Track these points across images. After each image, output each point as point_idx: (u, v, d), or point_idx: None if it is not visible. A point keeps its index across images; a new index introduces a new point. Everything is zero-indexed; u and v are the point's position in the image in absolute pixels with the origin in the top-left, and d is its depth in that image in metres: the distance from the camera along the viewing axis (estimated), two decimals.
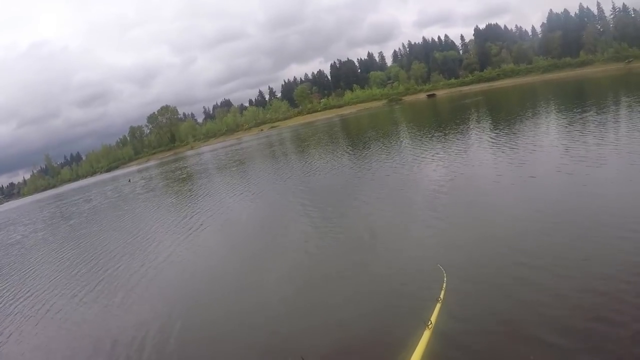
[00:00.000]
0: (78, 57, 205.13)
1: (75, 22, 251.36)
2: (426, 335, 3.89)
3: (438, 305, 4.36)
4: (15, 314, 8.37)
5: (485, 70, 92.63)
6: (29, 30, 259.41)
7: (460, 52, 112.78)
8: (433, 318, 4.11)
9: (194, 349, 5.40)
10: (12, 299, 9.53)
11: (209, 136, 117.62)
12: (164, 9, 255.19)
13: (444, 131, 21.30)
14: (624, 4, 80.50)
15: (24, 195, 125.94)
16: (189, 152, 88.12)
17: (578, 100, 25.00)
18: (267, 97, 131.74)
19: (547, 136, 14.07)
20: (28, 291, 9.78)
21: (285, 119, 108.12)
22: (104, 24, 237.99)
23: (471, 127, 21.94)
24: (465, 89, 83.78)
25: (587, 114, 17.16)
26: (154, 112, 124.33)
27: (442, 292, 4.62)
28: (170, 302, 7.07)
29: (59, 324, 7.34)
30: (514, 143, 13.77)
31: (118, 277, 9.06)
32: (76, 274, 10.25)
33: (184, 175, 32.02)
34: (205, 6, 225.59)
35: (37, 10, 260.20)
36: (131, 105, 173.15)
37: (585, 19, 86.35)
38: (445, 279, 4.90)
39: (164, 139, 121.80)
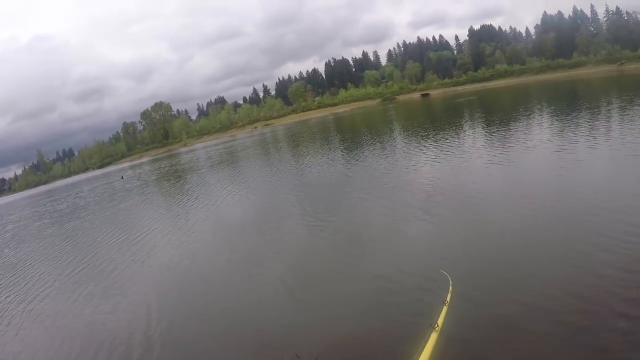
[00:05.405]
0: (78, 52, 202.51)
1: (77, 16, 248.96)
2: (433, 337, 3.92)
3: (444, 308, 4.38)
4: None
5: (479, 70, 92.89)
6: (29, 24, 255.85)
7: (455, 52, 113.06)
8: (440, 320, 4.13)
9: (187, 346, 5.36)
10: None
11: (202, 133, 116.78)
12: (165, 6, 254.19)
13: (440, 131, 21.34)
14: (617, 6, 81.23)
15: (15, 191, 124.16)
16: (182, 149, 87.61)
17: (571, 101, 25.21)
18: (261, 94, 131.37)
19: (543, 137, 14.12)
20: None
21: (280, 116, 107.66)
22: (104, 19, 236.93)
23: (466, 127, 22.01)
24: (459, 88, 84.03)
25: (580, 114, 17.32)
26: (147, 109, 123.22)
27: (449, 295, 4.63)
28: (161, 301, 7.01)
29: (45, 322, 7.29)
30: (512, 144, 13.81)
31: (107, 275, 8.98)
32: (62, 273, 10.12)
33: (177, 173, 31.77)
34: (206, 4, 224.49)
35: (38, 4, 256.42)
36: (126, 101, 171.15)
37: (579, 21, 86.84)
38: (450, 282, 4.91)
39: (157, 135, 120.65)
